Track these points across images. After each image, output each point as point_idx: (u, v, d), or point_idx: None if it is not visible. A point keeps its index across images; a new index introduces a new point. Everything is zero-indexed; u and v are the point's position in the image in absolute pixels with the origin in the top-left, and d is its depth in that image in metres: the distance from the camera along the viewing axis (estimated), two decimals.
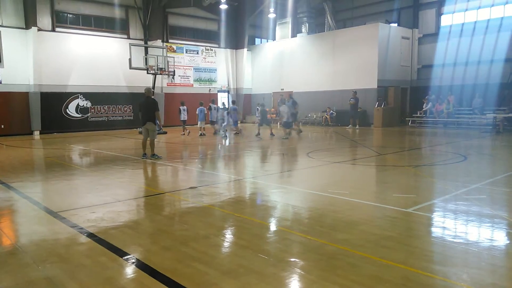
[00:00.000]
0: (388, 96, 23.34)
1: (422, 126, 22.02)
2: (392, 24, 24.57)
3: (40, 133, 20.65)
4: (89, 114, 22.62)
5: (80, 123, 22.12)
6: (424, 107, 22.45)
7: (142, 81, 23.13)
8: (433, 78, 23.23)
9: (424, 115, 22.40)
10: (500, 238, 4.62)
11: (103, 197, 6.74)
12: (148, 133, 11.15)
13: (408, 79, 24.69)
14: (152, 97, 11.86)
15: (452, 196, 6.45)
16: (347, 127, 22.17)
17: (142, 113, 11.20)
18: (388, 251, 4.12)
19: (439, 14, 23.64)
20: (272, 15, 28.63)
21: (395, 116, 23.14)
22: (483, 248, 4.19)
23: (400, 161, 10.48)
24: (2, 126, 19.75)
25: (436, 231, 4.88)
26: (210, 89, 28.33)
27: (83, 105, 22.45)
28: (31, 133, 20.51)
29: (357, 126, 21.97)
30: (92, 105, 22.68)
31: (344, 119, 23.29)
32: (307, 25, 27.85)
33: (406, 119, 23.57)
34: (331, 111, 24.19)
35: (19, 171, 9.74)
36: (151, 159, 11.03)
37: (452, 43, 22.58)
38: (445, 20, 23.40)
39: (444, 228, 4.98)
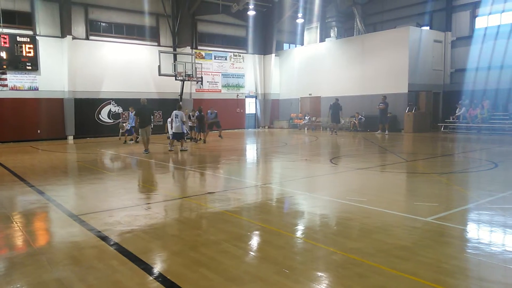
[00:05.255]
0: (419, 101, 22.74)
1: (455, 131, 21.29)
2: (424, 27, 23.98)
3: (74, 138, 21.44)
4: (120, 119, 23.26)
5: (112, 129, 22.78)
6: (457, 112, 21.73)
7: (171, 87, 23.65)
8: (467, 82, 22.42)
9: (457, 121, 21.67)
10: None
11: (124, 201, 6.91)
12: (146, 133, 14.05)
13: (440, 83, 23.96)
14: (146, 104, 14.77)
15: (475, 205, 6.19)
16: (376, 133, 21.74)
17: (143, 118, 14.03)
18: (399, 261, 3.99)
19: (473, 16, 22.86)
20: (300, 20, 28.62)
21: (426, 122, 22.47)
22: (500, 260, 3.99)
23: (428, 168, 10.15)
24: (39, 131, 20.65)
25: (453, 241, 4.68)
26: (238, 95, 28.56)
27: (115, 111, 23.15)
28: (65, 138, 21.33)
29: (387, 131, 21.52)
30: (123, 111, 23.33)
31: (373, 125, 22.85)
32: (335, 29, 27.56)
33: (438, 124, 22.83)
34: (360, 116, 23.80)
35: (49, 174, 10.13)
36: (145, 153, 13.84)
37: (487, 46, 21.75)
38: (480, 23, 22.59)
39: (462, 238, 4.78)
